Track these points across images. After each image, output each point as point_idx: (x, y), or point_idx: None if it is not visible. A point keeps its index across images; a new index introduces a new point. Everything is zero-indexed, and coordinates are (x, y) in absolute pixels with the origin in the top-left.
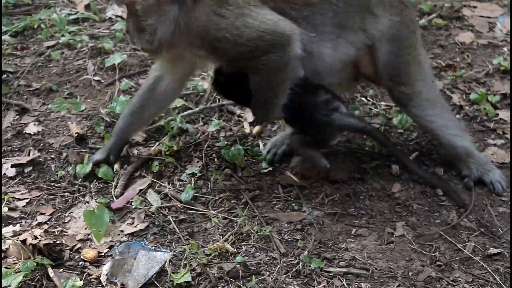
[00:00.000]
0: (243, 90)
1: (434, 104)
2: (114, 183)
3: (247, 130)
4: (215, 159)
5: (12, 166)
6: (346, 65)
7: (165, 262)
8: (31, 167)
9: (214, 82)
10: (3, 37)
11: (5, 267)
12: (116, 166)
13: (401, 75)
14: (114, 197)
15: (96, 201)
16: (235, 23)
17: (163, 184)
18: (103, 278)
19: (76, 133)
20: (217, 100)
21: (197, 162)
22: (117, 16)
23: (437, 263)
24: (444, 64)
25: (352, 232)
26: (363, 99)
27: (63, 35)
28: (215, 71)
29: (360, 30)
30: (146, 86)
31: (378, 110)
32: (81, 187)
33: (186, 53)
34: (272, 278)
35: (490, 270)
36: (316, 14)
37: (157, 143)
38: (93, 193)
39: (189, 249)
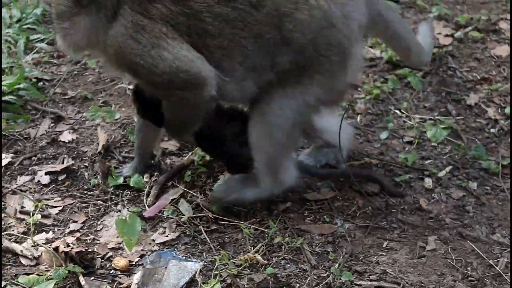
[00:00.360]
0: (161, 112)
1: (270, 135)
2: (146, 192)
3: None
4: None
5: (46, 173)
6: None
7: (196, 273)
8: (65, 175)
9: (133, 99)
10: (40, 45)
11: (37, 274)
12: (145, 177)
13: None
14: (146, 206)
15: (128, 210)
16: (151, 53)
17: (195, 194)
18: (133, 287)
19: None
20: None
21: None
22: None
23: (469, 278)
24: (479, 78)
25: (384, 246)
26: (397, 111)
27: None
28: (134, 87)
29: (269, 69)
30: None
31: (412, 123)
32: (113, 196)
33: (107, 65)
34: None
35: None
36: (227, 57)
37: (190, 153)
38: (126, 202)
39: (220, 260)
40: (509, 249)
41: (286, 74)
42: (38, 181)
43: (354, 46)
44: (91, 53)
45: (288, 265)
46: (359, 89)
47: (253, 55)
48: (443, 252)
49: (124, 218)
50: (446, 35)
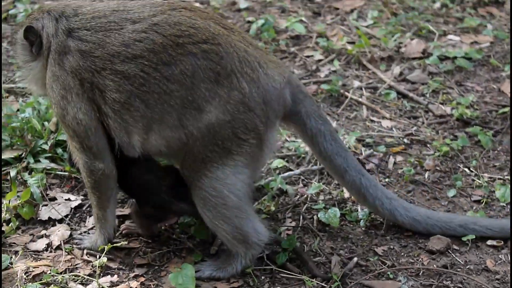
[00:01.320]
0: None
1: (222, 215)
2: (210, 241)
3: (346, 194)
4: (313, 222)
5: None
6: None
7: None
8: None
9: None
10: None
11: None
12: None
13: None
14: (210, 255)
15: (192, 257)
16: (61, 103)
17: None
18: None
19: None
20: (318, 163)
21: (294, 223)
22: None
23: None
24: None
25: None
26: (466, 169)
27: None
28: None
29: (178, 128)
30: None
31: (480, 182)
32: (177, 242)
33: None
34: None
35: None
36: (126, 110)
37: (256, 202)
38: (190, 248)
39: None
40: None
41: (210, 156)
42: None
43: (269, 133)
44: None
45: None
46: (428, 145)
47: (156, 109)
48: None
49: (176, 271)
50: None
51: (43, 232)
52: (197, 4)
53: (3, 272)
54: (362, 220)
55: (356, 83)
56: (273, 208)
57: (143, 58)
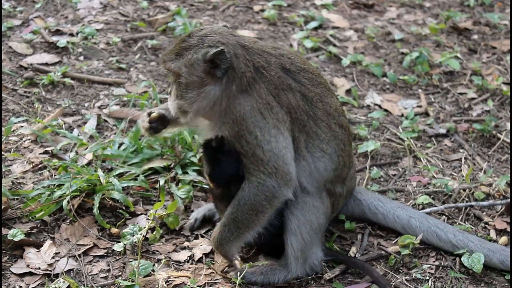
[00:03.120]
0: (222, 169)
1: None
2: None
3: (493, 237)
4: (456, 264)
5: None
6: None
7: None
8: None
9: (203, 148)
10: None
11: None
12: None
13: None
14: None
15: None
16: (271, 131)
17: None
18: None
19: None
20: (464, 201)
21: (437, 262)
22: (375, 104)
23: None
24: None
25: None
26: None
27: None
28: (206, 140)
29: (329, 192)
30: None
31: None
32: None
33: (212, 124)
34: None
35: None
36: (327, 160)
37: (397, 238)
38: None
39: None
40: None
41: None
42: None
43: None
44: (204, 117)
45: None
46: None
47: (339, 170)
48: None
49: None
50: None
51: (186, 243)
52: (352, 32)
53: (144, 279)
54: None
55: (510, 125)
56: (413, 245)
57: (348, 130)
